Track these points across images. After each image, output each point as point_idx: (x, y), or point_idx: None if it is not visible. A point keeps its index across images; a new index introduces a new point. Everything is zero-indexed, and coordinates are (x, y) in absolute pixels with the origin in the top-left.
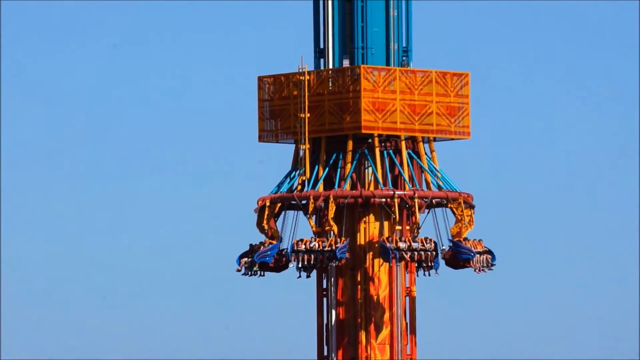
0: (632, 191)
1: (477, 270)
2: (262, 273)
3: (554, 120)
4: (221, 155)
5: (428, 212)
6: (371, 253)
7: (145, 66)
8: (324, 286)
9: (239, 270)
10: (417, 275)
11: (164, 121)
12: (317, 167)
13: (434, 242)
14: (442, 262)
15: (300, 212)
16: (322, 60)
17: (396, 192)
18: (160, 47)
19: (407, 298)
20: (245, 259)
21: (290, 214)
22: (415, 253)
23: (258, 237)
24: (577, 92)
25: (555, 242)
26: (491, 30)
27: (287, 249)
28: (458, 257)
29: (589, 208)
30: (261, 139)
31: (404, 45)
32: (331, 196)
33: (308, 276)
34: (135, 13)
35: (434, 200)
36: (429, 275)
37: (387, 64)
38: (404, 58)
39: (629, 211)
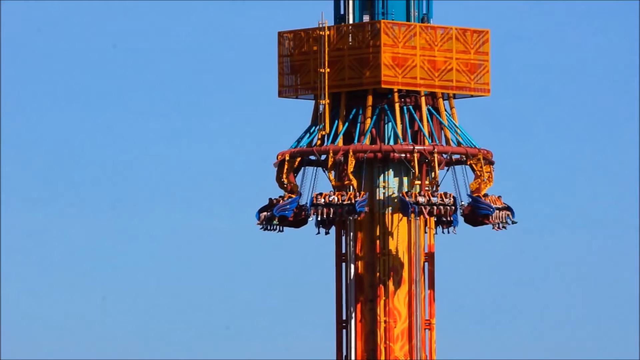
0: None
1: (495, 227)
2: (281, 228)
3: (573, 77)
4: (241, 111)
5: (447, 169)
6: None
7: (166, 23)
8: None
9: (259, 224)
10: (436, 233)
11: (184, 76)
12: (336, 122)
13: (453, 197)
14: (460, 219)
15: (320, 168)
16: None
17: (415, 147)
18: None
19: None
20: (265, 213)
21: (310, 169)
22: (435, 207)
23: (277, 192)
24: (598, 46)
25: (573, 200)
26: None
27: (306, 203)
28: (477, 212)
29: (607, 170)
30: (281, 94)
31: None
32: (350, 150)
33: (327, 232)
34: None
35: (453, 157)
36: (448, 232)
37: (408, 20)
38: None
39: None
